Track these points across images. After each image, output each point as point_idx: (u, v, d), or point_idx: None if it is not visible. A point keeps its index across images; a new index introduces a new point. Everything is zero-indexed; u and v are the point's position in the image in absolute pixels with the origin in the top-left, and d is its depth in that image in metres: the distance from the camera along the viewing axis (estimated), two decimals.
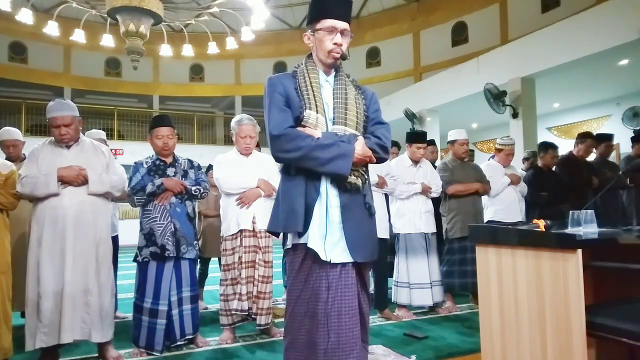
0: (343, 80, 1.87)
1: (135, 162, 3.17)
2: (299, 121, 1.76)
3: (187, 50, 10.05)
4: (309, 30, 1.86)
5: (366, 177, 1.82)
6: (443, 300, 4.06)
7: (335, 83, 1.86)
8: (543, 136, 9.66)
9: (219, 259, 3.44)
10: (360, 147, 1.73)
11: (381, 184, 3.74)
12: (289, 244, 1.81)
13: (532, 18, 11.50)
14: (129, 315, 3.54)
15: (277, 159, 1.78)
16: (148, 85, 16.55)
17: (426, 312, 4.03)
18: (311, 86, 1.79)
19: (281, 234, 1.85)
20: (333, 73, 1.88)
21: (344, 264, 1.75)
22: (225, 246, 3.20)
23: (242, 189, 3.16)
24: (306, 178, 1.75)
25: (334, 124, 1.78)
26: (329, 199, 1.75)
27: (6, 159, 3.35)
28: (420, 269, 3.89)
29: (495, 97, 8.25)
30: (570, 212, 1.92)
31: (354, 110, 1.81)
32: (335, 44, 1.79)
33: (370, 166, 1.88)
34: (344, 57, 1.81)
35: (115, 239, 3.62)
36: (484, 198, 4.38)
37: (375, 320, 3.72)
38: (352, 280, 1.76)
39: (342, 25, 1.80)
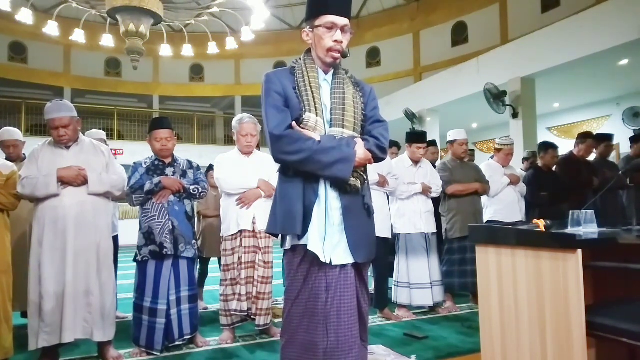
0: (341, 79, 1.82)
1: (134, 162, 3.18)
2: (297, 123, 1.72)
3: (187, 50, 10.04)
4: (308, 27, 1.80)
5: (365, 177, 1.81)
6: (443, 300, 4.06)
7: (334, 83, 1.81)
8: (543, 136, 9.66)
9: (219, 259, 3.44)
10: (362, 152, 1.71)
11: (382, 182, 3.74)
12: (287, 245, 1.79)
13: (532, 18, 11.51)
14: (129, 315, 3.54)
15: (278, 160, 1.74)
16: (148, 85, 16.55)
17: (426, 312, 4.03)
18: (310, 87, 1.75)
19: (280, 235, 1.83)
20: (332, 71, 1.84)
21: (343, 265, 1.73)
22: (225, 246, 3.20)
23: (243, 189, 3.16)
24: (304, 180, 1.72)
25: (331, 126, 1.75)
26: (328, 201, 1.73)
27: (6, 159, 3.35)
28: (421, 269, 3.89)
29: (495, 97, 8.25)
30: (570, 212, 1.92)
31: (351, 112, 1.77)
32: (335, 41, 1.73)
33: (370, 165, 1.87)
34: (344, 55, 1.76)
35: (115, 239, 3.61)
36: (484, 198, 4.38)
37: (375, 320, 3.72)
38: (351, 281, 1.75)
39: (342, 21, 1.74)
